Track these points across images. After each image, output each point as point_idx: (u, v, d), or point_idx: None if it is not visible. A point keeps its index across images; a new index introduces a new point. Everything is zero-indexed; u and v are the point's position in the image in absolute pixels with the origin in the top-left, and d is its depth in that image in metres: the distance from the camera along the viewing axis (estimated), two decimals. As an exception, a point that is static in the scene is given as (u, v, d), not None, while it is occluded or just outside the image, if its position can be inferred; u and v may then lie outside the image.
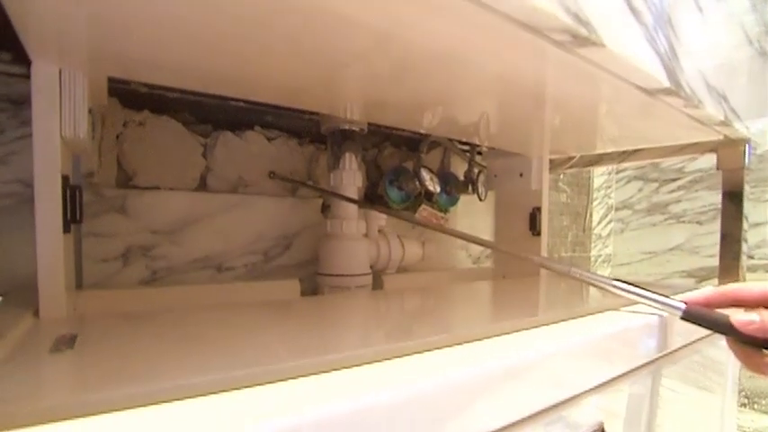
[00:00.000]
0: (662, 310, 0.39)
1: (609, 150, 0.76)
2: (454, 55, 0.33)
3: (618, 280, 0.42)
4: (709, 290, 0.39)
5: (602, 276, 0.43)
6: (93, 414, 0.16)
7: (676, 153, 0.69)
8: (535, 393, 0.29)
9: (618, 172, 1.55)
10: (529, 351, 0.28)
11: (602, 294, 0.53)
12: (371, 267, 0.64)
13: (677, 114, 0.45)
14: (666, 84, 0.36)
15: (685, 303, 0.37)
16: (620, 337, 0.38)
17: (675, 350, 0.45)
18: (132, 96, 0.56)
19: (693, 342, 0.48)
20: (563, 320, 0.37)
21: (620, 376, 0.38)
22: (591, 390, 0.34)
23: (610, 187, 1.56)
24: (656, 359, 0.43)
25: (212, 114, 0.62)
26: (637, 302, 0.41)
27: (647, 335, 0.40)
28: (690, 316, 0.36)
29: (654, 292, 0.40)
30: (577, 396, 0.33)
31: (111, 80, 0.45)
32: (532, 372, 0.28)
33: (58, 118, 0.34)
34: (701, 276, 1.38)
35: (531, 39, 0.29)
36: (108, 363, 0.23)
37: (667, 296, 0.38)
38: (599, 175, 1.49)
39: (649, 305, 0.40)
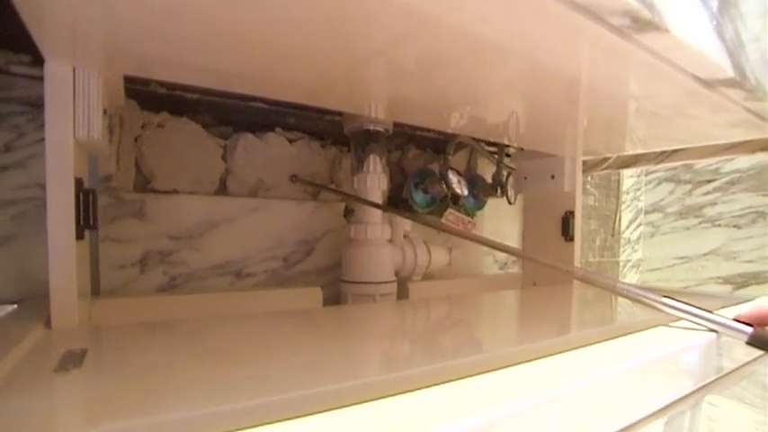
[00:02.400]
0: (723, 332, 0.35)
1: (647, 151, 0.72)
2: (490, 43, 0.30)
3: (670, 297, 0.39)
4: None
5: (654, 293, 0.39)
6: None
7: (722, 152, 0.64)
8: (582, 425, 0.25)
9: (648, 174, 1.49)
10: (581, 376, 0.25)
11: (650, 310, 0.49)
12: (396, 274, 0.61)
13: (735, 109, 0.41)
14: (730, 74, 0.33)
15: (751, 326, 0.33)
16: (676, 359, 0.34)
17: (735, 369, 0.41)
18: (151, 98, 0.54)
19: (752, 360, 0.44)
20: (610, 339, 0.34)
21: (676, 401, 0.34)
22: (643, 419, 0.31)
23: (639, 189, 1.50)
24: (715, 380, 0.39)
25: (232, 116, 0.60)
26: (692, 323, 0.37)
27: (707, 354, 0.36)
28: (757, 341, 0.33)
29: (712, 312, 0.36)
30: (630, 426, 0.29)
31: (128, 81, 0.43)
32: (582, 398, 0.25)
33: (72, 118, 0.33)
34: (738, 283, 1.31)
35: (584, 22, 0.26)
36: (117, 387, 0.21)
37: (727, 317, 0.35)
38: (628, 176, 1.43)
39: (708, 327, 0.36)
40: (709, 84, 0.35)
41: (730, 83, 0.34)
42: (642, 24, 0.26)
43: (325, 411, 0.19)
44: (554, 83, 0.39)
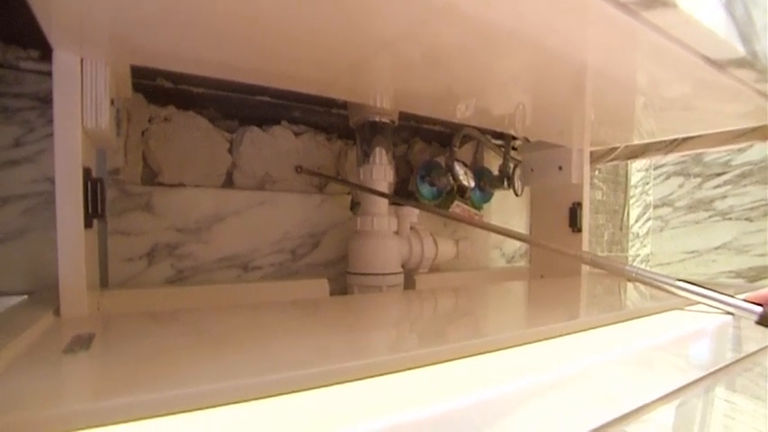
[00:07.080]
0: (732, 313, 0.35)
1: (656, 140, 0.71)
2: (497, 27, 0.30)
3: (681, 280, 0.38)
4: None
5: (663, 276, 0.39)
6: (95, 426, 0.14)
7: (734, 140, 0.63)
8: (589, 407, 0.25)
9: (656, 168, 1.47)
10: (586, 357, 0.25)
11: (660, 294, 0.49)
12: (403, 266, 0.61)
13: (746, 91, 0.40)
14: (741, 53, 0.32)
15: (761, 306, 0.33)
16: (686, 345, 0.34)
17: (746, 356, 0.40)
18: (157, 92, 0.54)
19: (765, 348, 0.43)
20: (618, 323, 0.34)
21: (685, 387, 0.34)
22: (653, 402, 0.30)
23: (648, 184, 1.48)
24: (726, 366, 0.38)
25: (238, 110, 0.60)
26: (703, 304, 0.37)
27: (722, 338, 0.35)
28: (767, 320, 0.33)
29: (723, 293, 0.36)
30: (637, 411, 0.29)
31: (135, 76, 0.43)
32: (588, 382, 0.25)
33: (80, 108, 0.33)
34: (750, 277, 1.29)
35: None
36: (122, 366, 0.21)
37: (739, 298, 0.35)
38: (636, 171, 1.42)
39: (718, 308, 0.36)
40: (718, 65, 0.35)
41: (740, 63, 0.34)
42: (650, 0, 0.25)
43: (331, 385, 0.19)
44: (560, 68, 0.38)
